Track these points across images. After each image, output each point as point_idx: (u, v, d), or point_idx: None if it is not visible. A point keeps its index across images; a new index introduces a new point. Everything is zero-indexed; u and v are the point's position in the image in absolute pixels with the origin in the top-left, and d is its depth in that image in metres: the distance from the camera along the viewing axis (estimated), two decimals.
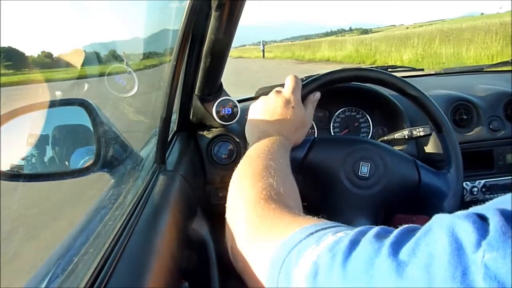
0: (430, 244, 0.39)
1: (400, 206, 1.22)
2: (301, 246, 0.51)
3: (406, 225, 0.45)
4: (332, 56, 32.31)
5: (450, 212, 0.88)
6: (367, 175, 1.10)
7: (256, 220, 0.65)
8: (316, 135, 1.58)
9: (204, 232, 1.10)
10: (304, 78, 1.45)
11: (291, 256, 0.51)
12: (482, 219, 0.38)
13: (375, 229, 0.47)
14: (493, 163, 1.58)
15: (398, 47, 24.47)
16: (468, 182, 1.55)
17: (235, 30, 1.05)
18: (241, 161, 0.84)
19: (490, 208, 0.38)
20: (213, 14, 0.96)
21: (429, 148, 1.45)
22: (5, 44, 1.04)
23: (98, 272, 0.57)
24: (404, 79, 1.18)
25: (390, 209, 1.16)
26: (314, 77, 1.17)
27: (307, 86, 1.14)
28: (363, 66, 1.24)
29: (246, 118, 1.21)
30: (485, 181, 1.56)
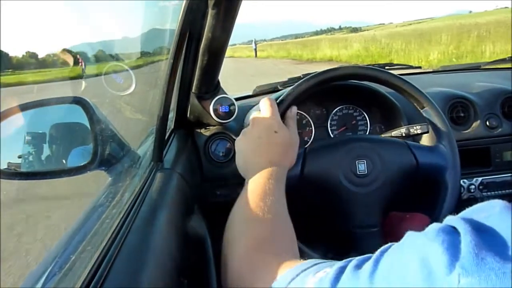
0: (402, 269, 0.40)
1: (405, 195, 1.22)
2: None
3: (381, 248, 0.47)
4: (336, 55, 28.65)
5: (455, 184, 0.91)
6: (366, 172, 1.10)
7: (245, 268, 0.70)
8: (311, 138, 1.58)
9: (202, 230, 1.10)
10: (302, 76, 1.45)
11: None
12: (453, 234, 0.38)
13: (353, 262, 0.49)
14: (490, 160, 1.58)
15: (421, 44, 20.93)
16: (465, 180, 1.55)
17: (232, 28, 1.05)
18: (236, 202, 0.86)
19: (463, 221, 0.39)
20: (210, 12, 0.96)
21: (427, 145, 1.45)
22: (4, 43, 1.04)
23: (96, 270, 0.56)
24: (402, 76, 1.18)
25: (395, 199, 1.17)
26: (311, 74, 1.17)
27: (282, 102, 1.13)
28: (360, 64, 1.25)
29: (243, 118, 1.21)
30: (482, 179, 1.56)
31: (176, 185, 0.98)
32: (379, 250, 0.46)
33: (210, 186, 1.44)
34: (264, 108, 1.05)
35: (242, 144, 1.02)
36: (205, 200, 1.41)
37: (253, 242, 0.73)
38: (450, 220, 0.41)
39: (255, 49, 48.00)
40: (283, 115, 1.10)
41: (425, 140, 1.27)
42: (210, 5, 0.92)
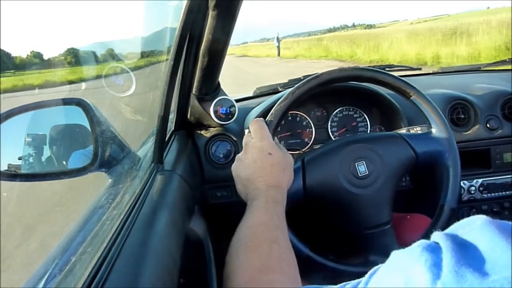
0: (388, 285, 0.42)
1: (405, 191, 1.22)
2: None
3: (370, 271, 0.48)
4: (416, 54, 18.02)
5: (456, 166, 0.91)
6: (367, 173, 1.10)
7: None
8: (312, 140, 1.58)
9: (202, 231, 1.10)
10: (303, 78, 1.45)
11: None
12: (436, 251, 0.39)
13: (347, 286, 0.51)
14: (490, 162, 1.58)
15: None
16: (465, 181, 1.55)
17: (232, 29, 1.05)
18: (237, 230, 0.85)
19: (446, 237, 0.40)
20: (211, 13, 0.96)
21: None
22: (4, 44, 1.04)
23: (96, 271, 0.56)
24: (402, 78, 1.18)
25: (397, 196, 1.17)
26: (311, 76, 1.17)
27: (271, 122, 1.12)
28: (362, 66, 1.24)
29: (243, 119, 1.21)
30: (483, 180, 1.56)
31: (177, 186, 0.98)
32: (368, 273, 0.48)
33: (210, 188, 1.44)
34: (255, 132, 1.05)
35: (239, 171, 1.02)
36: (205, 202, 1.41)
37: (254, 270, 0.73)
38: (435, 236, 0.42)
39: (278, 47, 38.94)
40: (274, 134, 1.10)
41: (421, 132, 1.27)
42: (211, 6, 0.92)
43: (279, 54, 38.16)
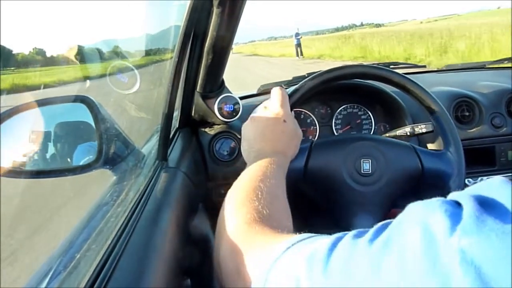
0: (402, 235, 0.40)
1: (406, 196, 1.21)
2: (280, 262, 0.53)
3: (383, 221, 0.46)
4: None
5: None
6: (370, 171, 1.10)
7: (240, 239, 0.68)
8: (316, 137, 1.58)
9: (206, 229, 1.10)
10: (307, 75, 1.45)
11: (271, 272, 0.53)
12: (456, 206, 0.38)
13: (352, 232, 0.48)
14: (495, 160, 1.57)
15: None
16: (470, 179, 1.55)
17: (236, 27, 1.05)
18: (233, 184, 0.85)
19: (466, 195, 0.39)
20: (215, 11, 0.96)
21: (431, 146, 1.44)
22: (7, 41, 1.04)
23: (100, 269, 0.57)
24: (407, 75, 1.18)
25: (397, 201, 1.17)
26: (316, 73, 1.17)
27: (293, 95, 1.14)
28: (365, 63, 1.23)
29: (248, 116, 1.20)
30: (487, 178, 1.55)
31: (181, 184, 0.98)
32: (381, 223, 0.46)
33: (215, 185, 1.44)
34: (275, 97, 1.05)
35: (249, 129, 1.02)
36: (209, 199, 1.41)
37: (250, 217, 0.72)
38: (453, 195, 0.41)
39: (299, 45, 31.61)
40: (292, 107, 1.11)
41: (432, 144, 1.27)
42: (215, 4, 0.92)
43: (300, 54, 31.30)
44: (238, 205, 0.76)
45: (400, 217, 0.43)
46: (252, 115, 1.05)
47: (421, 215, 0.39)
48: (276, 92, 1.06)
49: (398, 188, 1.14)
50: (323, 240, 0.50)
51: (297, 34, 31.96)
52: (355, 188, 1.10)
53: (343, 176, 1.10)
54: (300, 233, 0.59)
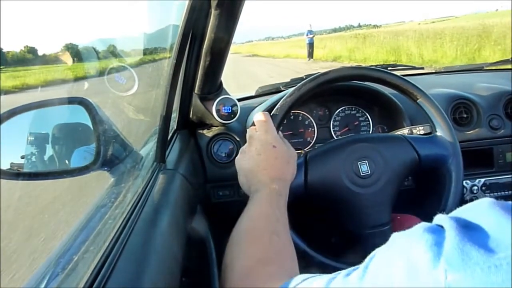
0: (388, 267, 0.41)
1: (410, 189, 1.21)
2: None
3: (370, 255, 0.48)
4: None
5: (458, 172, 0.92)
6: (369, 172, 1.10)
7: (241, 285, 0.71)
8: (314, 139, 1.58)
9: (204, 230, 1.10)
10: (305, 77, 1.45)
11: None
12: (439, 232, 0.39)
13: (343, 271, 0.50)
14: (493, 161, 1.58)
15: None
16: (468, 181, 1.55)
17: (234, 28, 1.05)
18: (238, 221, 0.86)
19: (449, 219, 0.40)
20: (213, 12, 0.96)
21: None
22: (5, 41, 1.04)
23: (98, 270, 0.57)
24: (405, 77, 1.18)
25: (401, 194, 1.17)
26: (313, 75, 1.17)
27: (276, 116, 1.13)
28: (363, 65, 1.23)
29: (246, 118, 1.20)
30: (485, 180, 1.56)
31: (179, 185, 0.98)
32: (368, 257, 0.47)
33: (213, 187, 1.44)
34: (260, 124, 1.05)
35: (243, 163, 1.02)
36: (207, 201, 1.41)
37: (253, 261, 0.74)
38: (438, 219, 0.42)
39: (311, 45, 25.73)
40: (278, 128, 1.11)
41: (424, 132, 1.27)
42: (213, 5, 0.92)
43: (311, 56, 25.52)
44: (241, 250, 0.78)
45: (386, 250, 0.45)
46: (241, 148, 1.06)
47: (404, 247, 0.40)
48: (258, 119, 1.06)
49: (400, 182, 1.15)
50: (318, 281, 0.52)
51: (309, 32, 25.86)
52: (357, 192, 1.10)
53: (343, 182, 1.10)
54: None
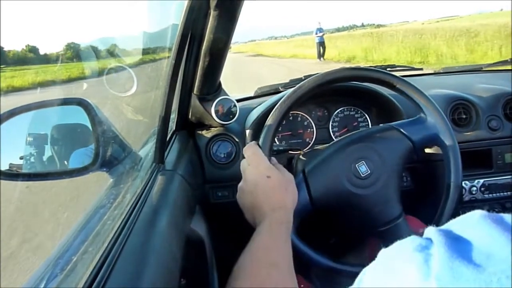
0: (380, 283, 0.42)
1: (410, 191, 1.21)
2: None
3: (359, 274, 0.47)
4: None
5: (454, 145, 0.91)
6: (369, 172, 1.09)
7: None
8: (313, 140, 1.58)
9: (203, 231, 1.10)
10: (304, 78, 1.45)
11: None
12: (428, 249, 0.39)
13: None
14: (492, 162, 1.58)
15: None
16: (467, 182, 1.55)
17: (233, 29, 1.05)
18: (241, 255, 0.85)
19: (439, 233, 0.40)
20: (212, 13, 0.96)
21: (428, 149, 1.45)
22: (4, 42, 1.04)
23: (97, 271, 0.57)
24: (404, 78, 1.18)
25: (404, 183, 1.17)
26: (312, 76, 1.17)
27: (291, 97, 1.12)
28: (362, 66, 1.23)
29: (245, 119, 1.20)
30: (484, 181, 1.56)
31: (178, 186, 0.98)
32: (358, 277, 0.47)
33: (212, 187, 1.44)
34: (249, 158, 1.05)
35: (243, 200, 1.02)
36: (206, 201, 1.41)
37: None
38: (429, 231, 0.42)
39: (322, 44, 23.46)
40: (289, 110, 1.11)
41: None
42: (212, 6, 0.92)
43: (322, 56, 23.26)
44: (240, 284, 0.77)
45: (377, 270, 0.44)
46: (239, 185, 1.05)
47: (395, 269, 0.41)
48: (247, 152, 1.06)
49: (401, 173, 1.15)
50: None
51: (319, 30, 23.21)
52: (362, 194, 1.09)
53: (346, 187, 1.09)
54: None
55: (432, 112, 1.14)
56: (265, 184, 0.99)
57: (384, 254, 0.44)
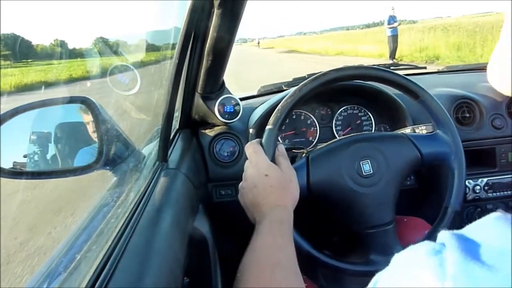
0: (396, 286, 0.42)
1: (414, 190, 1.20)
2: None
3: (374, 278, 0.47)
4: None
5: (461, 169, 0.91)
6: (371, 172, 1.09)
7: None
8: (316, 138, 1.58)
9: (206, 229, 1.10)
10: (307, 76, 1.45)
11: None
12: (441, 253, 0.39)
13: None
14: (495, 161, 1.57)
15: None
16: (470, 180, 1.55)
17: (237, 28, 1.04)
18: (245, 255, 0.85)
19: (451, 236, 0.40)
20: (216, 12, 0.96)
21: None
22: (6, 38, 1.04)
23: (101, 269, 0.57)
24: (407, 77, 1.17)
25: (403, 193, 1.17)
26: (316, 75, 1.16)
27: (294, 96, 1.11)
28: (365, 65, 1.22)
29: (248, 118, 1.20)
30: (488, 179, 1.55)
31: (181, 185, 0.98)
32: (371, 282, 0.47)
33: (215, 186, 1.44)
34: (249, 156, 1.05)
35: (243, 199, 1.02)
36: (209, 200, 1.41)
37: None
38: (441, 235, 0.42)
39: (395, 38, 16.62)
40: (293, 108, 1.10)
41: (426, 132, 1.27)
42: (215, 5, 0.92)
43: (393, 55, 16.96)
44: (244, 285, 0.77)
45: (391, 275, 0.45)
46: (239, 185, 1.05)
47: (410, 274, 0.41)
48: (248, 151, 1.06)
49: (402, 181, 1.14)
50: None
51: (392, 19, 16.67)
52: (359, 191, 1.09)
53: (346, 182, 1.09)
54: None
55: (448, 131, 1.14)
56: (264, 182, 0.99)
57: (397, 259, 0.44)
